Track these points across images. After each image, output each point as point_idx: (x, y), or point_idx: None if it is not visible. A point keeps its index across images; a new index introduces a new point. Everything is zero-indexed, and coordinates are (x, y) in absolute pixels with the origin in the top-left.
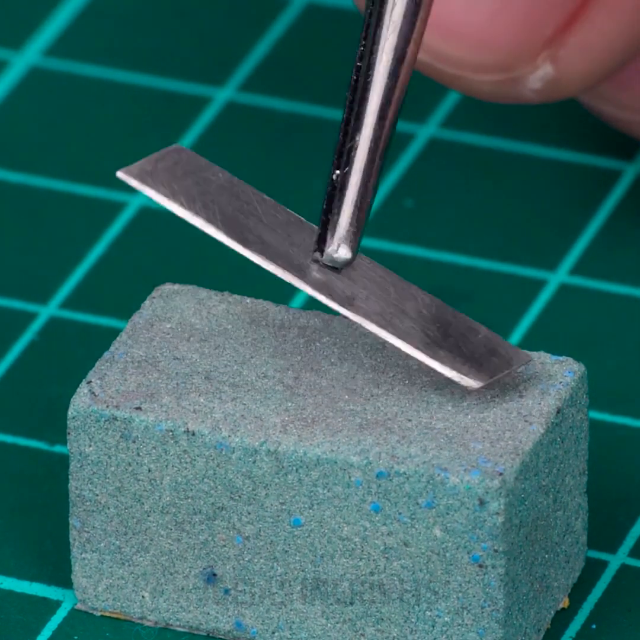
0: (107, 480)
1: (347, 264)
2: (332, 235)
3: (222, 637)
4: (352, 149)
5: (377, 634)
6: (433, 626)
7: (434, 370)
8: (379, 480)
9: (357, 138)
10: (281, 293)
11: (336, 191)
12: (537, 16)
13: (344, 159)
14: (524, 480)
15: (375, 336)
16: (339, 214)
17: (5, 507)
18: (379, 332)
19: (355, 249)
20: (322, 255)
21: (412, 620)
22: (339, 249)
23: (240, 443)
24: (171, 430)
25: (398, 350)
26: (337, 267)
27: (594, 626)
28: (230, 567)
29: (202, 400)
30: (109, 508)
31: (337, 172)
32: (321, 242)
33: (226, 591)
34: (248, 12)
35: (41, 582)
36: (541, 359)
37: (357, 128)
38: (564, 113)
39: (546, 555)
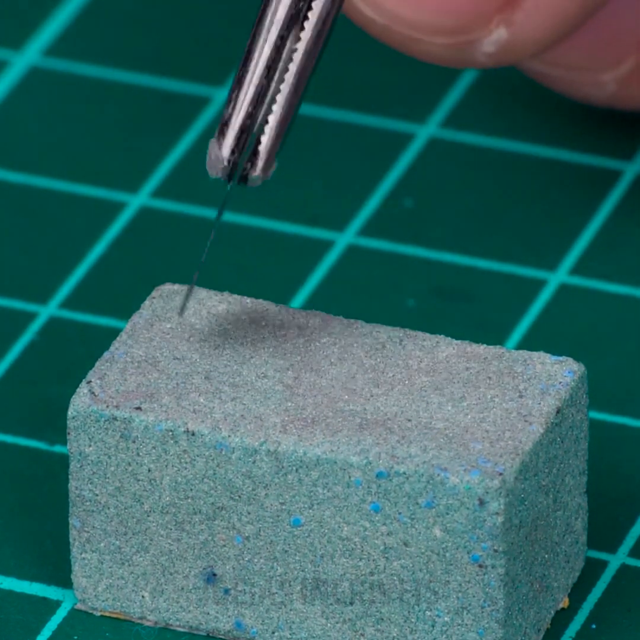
0: (107, 480)
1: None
2: (263, 158)
3: (222, 637)
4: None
5: (377, 634)
6: (433, 626)
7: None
8: (378, 480)
9: (282, 81)
10: (281, 293)
11: (266, 122)
12: None
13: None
14: (524, 480)
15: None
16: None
17: (5, 507)
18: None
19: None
20: (254, 171)
21: (412, 620)
22: (257, 171)
23: (240, 443)
24: (171, 430)
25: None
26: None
27: (594, 626)
28: (230, 567)
29: (202, 400)
30: (109, 508)
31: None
32: (254, 157)
33: (226, 591)
34: (248, 12)
35: (41, 582)
36: (541, 359)
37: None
38: (564, 113)
39: (546, 555)
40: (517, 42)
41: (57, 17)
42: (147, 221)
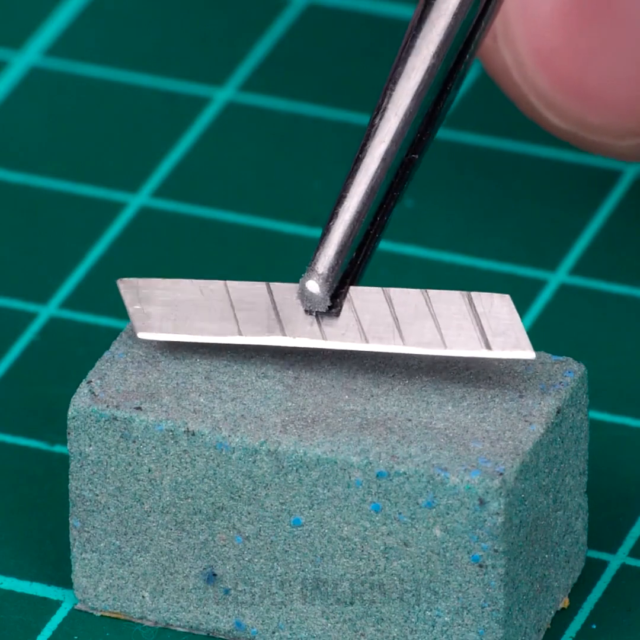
0: (107, 480)
1: (322, 306)
2: (311, 268)
3: (222, 637)
4: (347, 189)
5: (377, 634)
6: (433, 626)
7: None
8: (379, 480)
9: (353, 180)
10: None
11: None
12: None
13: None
14: (524, 480)
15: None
16: (320, 251)
17: (5, 507)
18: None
19: (327, 289)
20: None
21: (412, 620)
22: (308, 282)
23: (240, 443)
24: (171, 430)
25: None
26: (320, 310)
27: (594, 626)
28: (230, 567)
29: (202, 400)
30: (109, 508)
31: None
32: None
33: (226, 591)
34: (248, 12)
35: (41, 582)
36: (541, 359)
37: (356, 171)
38: None
39: (546, 555)
40: None
41: (57, 17)
42: (147, 221)
